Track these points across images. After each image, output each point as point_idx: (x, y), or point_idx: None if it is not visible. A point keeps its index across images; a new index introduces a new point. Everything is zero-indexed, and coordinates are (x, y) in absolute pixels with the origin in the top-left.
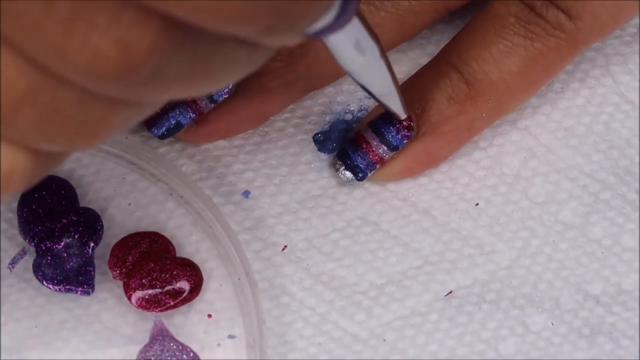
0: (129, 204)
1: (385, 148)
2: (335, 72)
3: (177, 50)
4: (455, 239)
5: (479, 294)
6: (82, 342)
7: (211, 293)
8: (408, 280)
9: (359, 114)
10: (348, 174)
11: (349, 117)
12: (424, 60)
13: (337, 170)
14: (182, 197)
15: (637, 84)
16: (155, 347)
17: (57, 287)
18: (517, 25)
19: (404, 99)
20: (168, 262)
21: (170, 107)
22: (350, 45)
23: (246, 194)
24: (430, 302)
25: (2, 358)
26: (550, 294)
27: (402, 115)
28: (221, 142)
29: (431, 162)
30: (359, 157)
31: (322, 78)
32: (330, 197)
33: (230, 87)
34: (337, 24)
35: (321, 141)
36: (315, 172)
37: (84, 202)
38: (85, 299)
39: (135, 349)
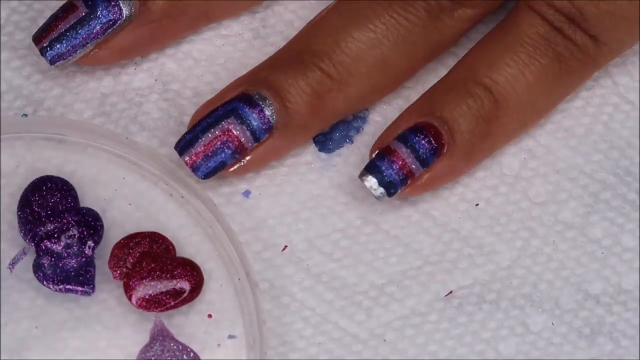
0: (130, 204)
1: (419, 164)
2: (363, 104)
3: None
4: (455, 239)
5: (479, 294)
6: (83, 343)
7: (211, 293)
8: (408, 281)
9: (359, 114)
10: (380, 190)
11: (349, 117)
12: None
13: (369, 185)
14: (182, 197)
15: (637, 85)
16: (155, 347)
17: (57, 287)
18: (548, 47)
19: (430, 110)
20: (168, 263)
21: (214, 147)
22: None
23: (247, 194)
24: (431, 302)
25: (2, 358)
26: (551, 294)
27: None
28: None
29: (454, 177)
30: (393, 173)
31: (352, 110)
32: (331, 197)
33: (272, 125)
34: None
35: (322, 142)
36: (315, 172)
37: (84, 203)
38: (85, 299)
39: (135, 349)
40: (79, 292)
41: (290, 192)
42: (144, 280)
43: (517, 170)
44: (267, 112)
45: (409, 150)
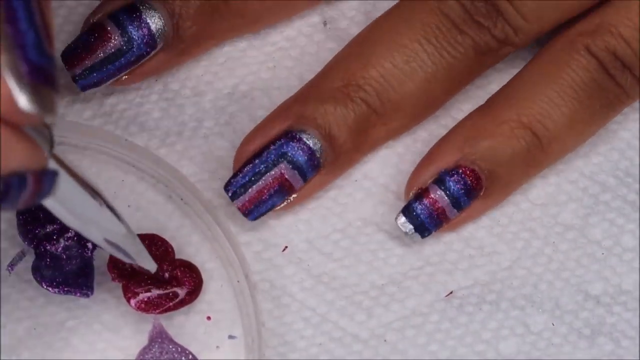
0: (129, 206)
1: (454, 208)
2: (402, 133)
3: None
4: (456, 240)
5: (480, 294)
6: (82, 343)
7: (210, 295)
8: (409, 281)
9: None
10: (415, 234)
11: None
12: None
13: (404, 229)
14: (181, 199)
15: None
16: (154, 350)
17: (56, 289)
18: (600, 94)
19: (470, 152)
20: (167, 264)
21: (268, 194)
22: (63, 206)
23: None
24: (431, 302)
25: (1, 358)
26: (551, 294)
27: (151, 266)
28: (223, 144)
29: (486, 212)
30: (428, 218)
31: (391, 139)
32: (331, 198)
33: (320, 165)
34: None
35: None
36: None
37: None
38: (85, 299)
39: (135, 350)
40: (78, 295)
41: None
42: (142, 283)
43: None
44: (317, 153)
45: (443, 195)
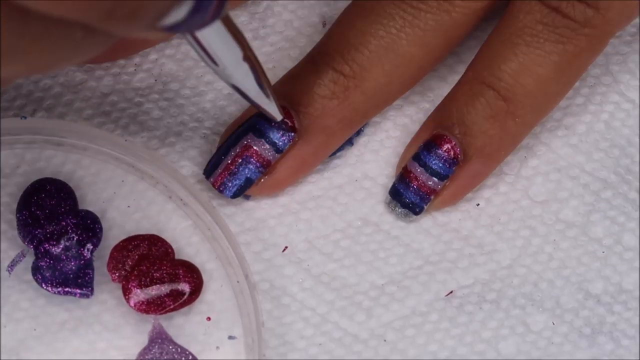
0: (129, 206)
1: (436, 179)
2: (386, 99)
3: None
4: (455, 238)
5: (480, 293)
6: (82, 344)
7: (210, 295)
8: (408, 281)
9: None
10: (405, 211)
11: None
12: (445, 72)
13: (393, 210)
14: (181, 199)
15: (637, 83)
16: (154, 350)
17: (55, 290)
18: (547, 32)
19: (441, 120)
20: (167, 265)
21: (236, 165)
22: (212, 44)
23: (247, 196)
24: (431, 302)
25: (2, 359)
26: (551, 293)
27: (278, 117)
28: None
29: (479, 181)
30: (412, 194)
31: (377, 107)
32: (331, 198)
33: (293, 134)
34: (192, 21)
35: None
36: (315, 173)
37: (83, 205)
38: (85, 300)
39: (135, 351)
40: (78, 295)
41: (290, 193)
42: (142, 283)
43: (518, 168)
44: (284, 127)
45: (422, 169)
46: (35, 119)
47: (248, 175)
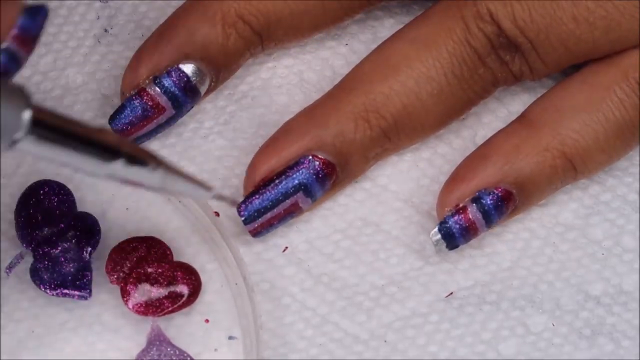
0: (127, 208)
1: (486, 228)
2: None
3: None
4: None
5: (480, 295)
6: (82, 344)
7: (209, 297)
8: (409, 281)
9: None
10: (441, 242)
11: None
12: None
13: (434, 239)
14: (180, 201)
15: None
16: (152, 352)
17: (54, 292)
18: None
19: (506, 177)
20: (166, 267)
21: (279, 219)
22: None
23: None
24: (431, 303)
25: (1, 359)
26: (551, 294)
27: (207, 192)
28: (222, 144)
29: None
30: (460, 231)
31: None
32: (331, 198)
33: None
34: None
35: None
36: None
37: (82, 207)
38: (85, 301)
39: (135, 351)
40: (76, 297)
41: None
42: (140, 285)
43: None
44: (328, 181)
45: (479, 213)
46: None
47: (282, 224)
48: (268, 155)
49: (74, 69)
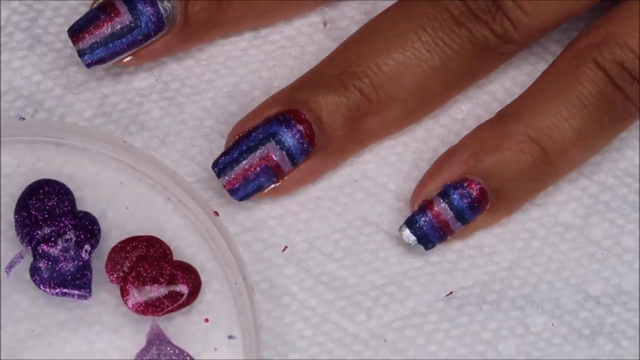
0: (127, 207)
1: (459, 223)
2: (402, 128)
3: None
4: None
5: (480, 294)
6: (82, 344)
7: (209, 296)
8: (408, 281)
9: None
10: (416, 243)
11: None
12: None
13: (407, 239)
14: (179, 200)
15: None
16: (152, 352)
17: (53, 291)
18: (608, 107)
19: (474, 167)
20: (166, 266)
21: (254, 172)
22: None
23: None
24: (431, 302)
25: (1, 359)
26: (551, 294)
27: None
28: (223, 143)
29: (492, 225)
30: (431, 229)
31: (390, 133)
32: (331, 198)
33: (311, 150)
34: None
35: None
36: None
37: (82, 206)
38: (84, 300)
39: (134, 351)
40: (76, 297)
41: (290, 193)
42: (140, 285)
43: None
44: (302, 137)
45: (448, 208)
46: (35, 120)
47: (261, 183)
48: (248, 118)
49: (74, 68)
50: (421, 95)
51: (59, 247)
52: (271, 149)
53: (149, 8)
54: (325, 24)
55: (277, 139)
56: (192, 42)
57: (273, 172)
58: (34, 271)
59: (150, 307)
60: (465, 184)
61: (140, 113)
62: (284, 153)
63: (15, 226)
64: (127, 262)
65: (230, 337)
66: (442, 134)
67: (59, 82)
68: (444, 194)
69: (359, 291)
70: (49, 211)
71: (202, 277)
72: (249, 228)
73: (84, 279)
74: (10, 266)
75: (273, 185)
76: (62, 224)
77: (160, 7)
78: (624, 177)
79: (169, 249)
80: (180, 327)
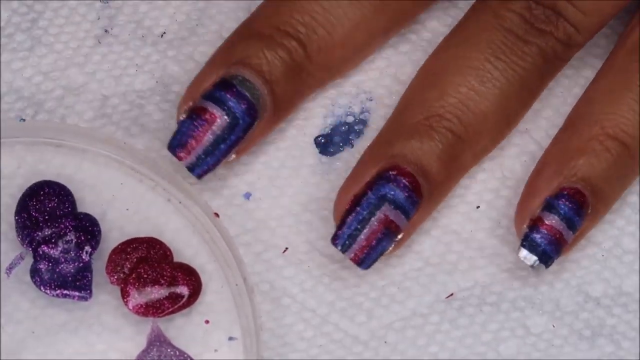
0: (127, 209)
1: (567, 228)
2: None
3: None
4: (456, 241)
5: (480, 295)
6: (82, 345)
7: (209, 297)
8: (409, 282)
9: (360, 116)
10: (539, 263)
11: (350, 119)
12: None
13: (530, 262)
14: (180, 202)
15: None
16: (152, 353)
17: (54, 293)
18: None
19: (567, 174)
20: (166, 268)
21: (376, 239)
22: None
23: (247, 196)
24: (431, 303)
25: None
26: (551, 295)
27: None
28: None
29: (591, 229)
30: (549, 246)
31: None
32: (332, 199)
33: (419, 201)
34: None
35: (322, 144)
36: (316, 175)
37: (82, 207)
38: (86, 301)
39: (135, 352)
40: (76, 298)
41: (290, 194)
42: (140, 286)
43: (519, 172)
44: (410, 191)
45: (559, 218)
46: (35, 121)
47: (384, 247)
48: (349, 184)
49: (74, 69)
50: (505, 119)
51: (59, 249)
52: (387, 210)
53: (240, 102)
54: None
55: (389, 198)
56: (282, 118)
57: (392, 232)
58: (34, 272)
59: (151, 309)
60: (566, 192)
61: (141, 115)
62: (398, 211)
63: (16, 227)
64: (127, 263)
65: (230, 338)
66: None
67: (59, 84)
68: (550, 207)
69: (359, 292)
70: (50, 212)
71: (203, 279)
72: (250, 229)
73: (85, 281)
74: (10, 267)
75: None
76: (62, 226)
77: (250, 97)
78: None
79: (169, 250)
80: (180, 329)
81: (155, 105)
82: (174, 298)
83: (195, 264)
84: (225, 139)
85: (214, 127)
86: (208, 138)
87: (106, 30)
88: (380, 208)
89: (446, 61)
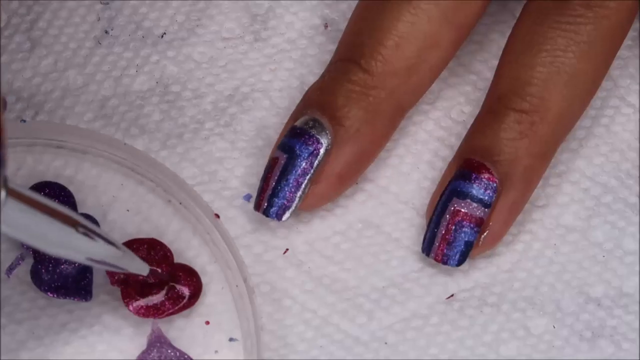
0: (128, 210)
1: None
2: (572, 120)
3: None
4: None
5: (481, 297)
6: (83, 345)
7: (210, 299)
8: (409, 283)
9: None
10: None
11: None
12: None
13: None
14: (180, 203)
15: (638, 87)
16: (152, 354)
17: (54, 294)
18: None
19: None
20: (166, 269)
21: (451, 233)
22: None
23: (248, 197)
24: (432, 305)
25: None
26: (552, 297)
27: (145, 270)
28: (223, 145)
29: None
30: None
31: (565, 131)
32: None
33: (495, 185)
34: None
35: None
36: None
37: (83, 208)
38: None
39: (135, 352)
40: (76, 299)
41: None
42: (141, 288)
43: None
44: (485, 181)
45: (466, 200)
46: (36, 122)
47: (466, 239)
48: (434, 196)
49: (74, 70)
50: (571, 82)
51: None
52: (456, 203)
53: (312, 146)
54: (326, 26)
55: (457, 192)
56: (369, 146)
57: (471, 224)
58: (34, 273)
59: (152, 310)
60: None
61: (141, 116)
62: (469, 201)
63: None
64: None
65: (231, 339)
66: (442, 135)
67: (59, 85)
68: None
69: (360, 293)
70: None
71: (203, 280)
72: (250, 230)
73: (85, 281)
74: (11, 268)
75: (484, 236)
76: None
77: (324, 144)
78: (625, 179)
79: (169, 251)
80: (181, 330)
81: (155, 106)
82: (175, 299)
83: (195, 265)
84: (287, 176)
85: (276, 169)
86: (273, 181)
87: (106, 31)
88: (450, 202)
89: (518, 44)
